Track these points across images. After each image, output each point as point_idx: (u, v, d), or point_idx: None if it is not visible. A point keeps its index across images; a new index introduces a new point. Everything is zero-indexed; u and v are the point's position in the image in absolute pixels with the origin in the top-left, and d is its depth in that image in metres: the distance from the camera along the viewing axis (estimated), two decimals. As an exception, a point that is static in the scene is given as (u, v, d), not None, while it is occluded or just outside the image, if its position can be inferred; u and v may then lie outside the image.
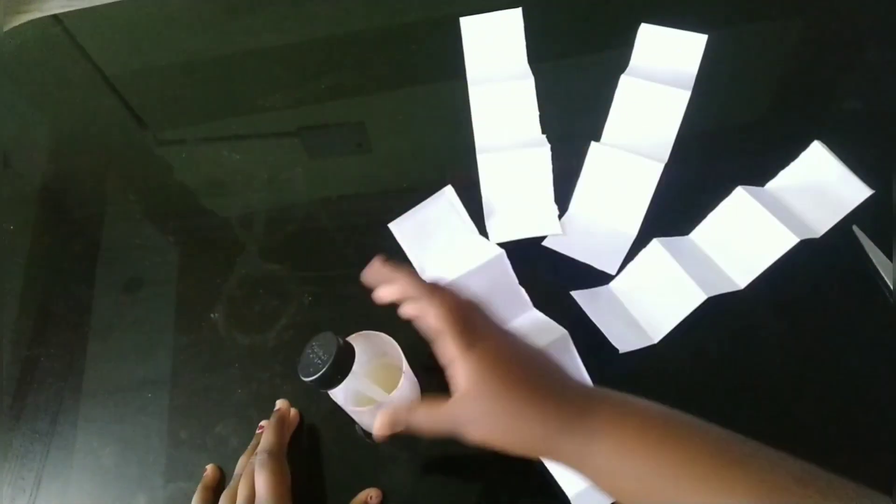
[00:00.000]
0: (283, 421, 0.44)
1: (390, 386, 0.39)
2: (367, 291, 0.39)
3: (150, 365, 0.50)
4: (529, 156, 0.54)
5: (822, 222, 0.49)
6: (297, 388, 0.47)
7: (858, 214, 0.49)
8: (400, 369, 0.40)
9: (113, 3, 0.73)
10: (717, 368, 0.46)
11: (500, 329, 0.36)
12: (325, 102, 0.63)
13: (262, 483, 0.39)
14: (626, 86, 0.57)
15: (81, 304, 0.53)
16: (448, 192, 0.54)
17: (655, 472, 0.30)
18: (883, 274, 0.46)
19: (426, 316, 0.35)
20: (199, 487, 0.43)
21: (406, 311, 0.37)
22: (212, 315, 0.51)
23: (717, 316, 0.46)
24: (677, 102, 0.55)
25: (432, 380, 0.44)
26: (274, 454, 0.41)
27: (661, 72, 0.58)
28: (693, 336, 0.46)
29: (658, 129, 0.55)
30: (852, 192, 0.49)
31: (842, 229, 0.49)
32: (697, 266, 0.47)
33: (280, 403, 0.46)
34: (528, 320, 0.47)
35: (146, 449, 0.46)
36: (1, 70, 0.71)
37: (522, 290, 0.48)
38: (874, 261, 0.47)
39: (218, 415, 0.47)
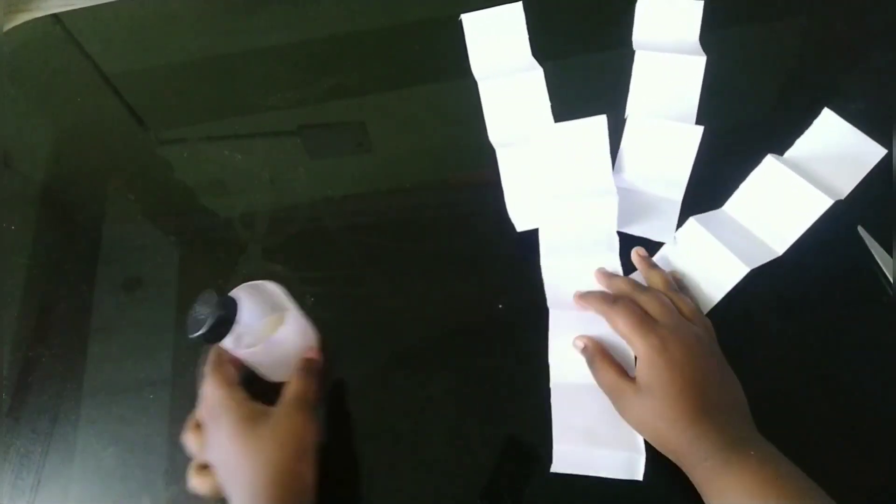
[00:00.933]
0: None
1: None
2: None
3: (151, 365, 0.50)
4: (549, 147, 0.54)
5: (845, 184, 0.51)
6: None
7: (863, 215, 0.49)
8: (281, 313, 0.42)
9: (113, 2, 0.73)
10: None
11: (686, 328, 0.41)
12: (325, 102, 0.63)
13: (207, 384, 0.41)
14: (643, 60, 0.57)
15: (82, 305, 0.53)
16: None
17: None
18: (888, 275, 0.46)
19: (615, 322, 0.42)
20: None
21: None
22: (213, 315, 0.51)
23: (718, 315, 0.46)
24: (695, 70, 0.56)
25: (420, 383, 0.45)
26: (213, 361, 0.42)
27: (667, 42, 0.59)
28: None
29: (680, 100, 0.56)
30: (867, 153, 0.51)
31: (846, 229, 0.49)
32: (736, 239, 0.48)
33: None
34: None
35: (147, 450, 0.46)
36: (0, 70, 0.71)
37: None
38: (879, 262, 0.47)
39: (219, 416, 0.47)
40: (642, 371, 0.40)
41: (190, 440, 0.42)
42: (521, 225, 0.52)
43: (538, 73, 0.58)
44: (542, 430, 0.44)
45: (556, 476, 0.42)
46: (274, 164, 0.59)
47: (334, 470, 0.44)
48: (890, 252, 0.47)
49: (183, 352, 0.50)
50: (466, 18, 0.62)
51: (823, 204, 0.47)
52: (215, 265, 0.54)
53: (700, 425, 0.37)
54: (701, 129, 0.51)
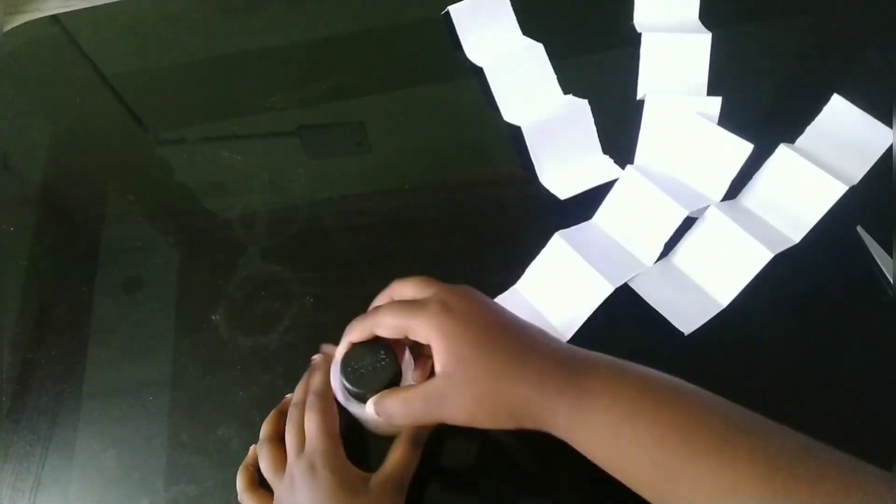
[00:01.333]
0: (327, 363, 0.42)
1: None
2: (369, 291, 0.38)
3: (151, 367, 0.49)
4: (570, 114, 0.56)
5: (856, 170, 0.51)
6: (298, 390, 0.47)
7: (863, 215, 0.49)
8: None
9: (112, 3, 0.73)
10: (719, 368, 0.46)
11: (471, 298, 0.35)
12: (325, 103, 0.63)
13: (313, 424, 0.38)
14: (650, 41, 0.58)
15: (82, 306, 0.53)
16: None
17: (654, 438, 0.29)
18: (888, 275, 0.46)
19: (384, 324, 0.36)
20: (242, 466, 0.43)
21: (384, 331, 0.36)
22: (213, 317, 0.51)
23: (718, 315, 0.46)
24: (702, 47, 0.57)
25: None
26: (321, 395, 0.39)
27: (668, 23, 0.60)
28: (695, 334, 0.46)
29: (689, 79, 0.57)
30: (878, 137, 0.51)
31: (846, 229, 0.49)
32: (754, 227, 0.48)
33: (322, 350, 0.44)
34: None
35: (147, 452, 0.46)
36: (-1, 71, 0.71)
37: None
38: (879, 262, 0.47)
39: (219, 417, 0.47)
40: (441, 351, 0.32)
41: (265, 456, 0.40)
42: (563, 194, 0.53)
43: (538, 47, 0.59)
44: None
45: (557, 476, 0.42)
46: (274, 165, 0.59)
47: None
48: (889, 252, 0.47)
49: (183, 353, 0.50)
50: (454, 9, 0.62)
51: (838, 191, 0.47)
52: (215, 266, 0.54)
53: (530, 372, 0.31)
54: (719, 100, 0.52)
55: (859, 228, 0.49)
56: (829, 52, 0.60)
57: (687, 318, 0.47)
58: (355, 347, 0.38)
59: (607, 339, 0.46)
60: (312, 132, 0.62)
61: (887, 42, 0.59)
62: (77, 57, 0.71)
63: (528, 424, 0.32)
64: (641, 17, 0.62)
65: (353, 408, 0.39)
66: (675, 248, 0.50)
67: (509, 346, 0.32)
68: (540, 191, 0.55)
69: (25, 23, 0.73)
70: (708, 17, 0.60)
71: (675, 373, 0.45)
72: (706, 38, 0.57)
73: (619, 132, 0.56)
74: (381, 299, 0.40)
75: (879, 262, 0.47)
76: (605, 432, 0.30)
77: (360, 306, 0.50)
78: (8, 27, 0.73)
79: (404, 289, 0.38)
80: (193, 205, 0.59)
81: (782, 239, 0.48)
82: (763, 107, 0.58)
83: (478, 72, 0.61)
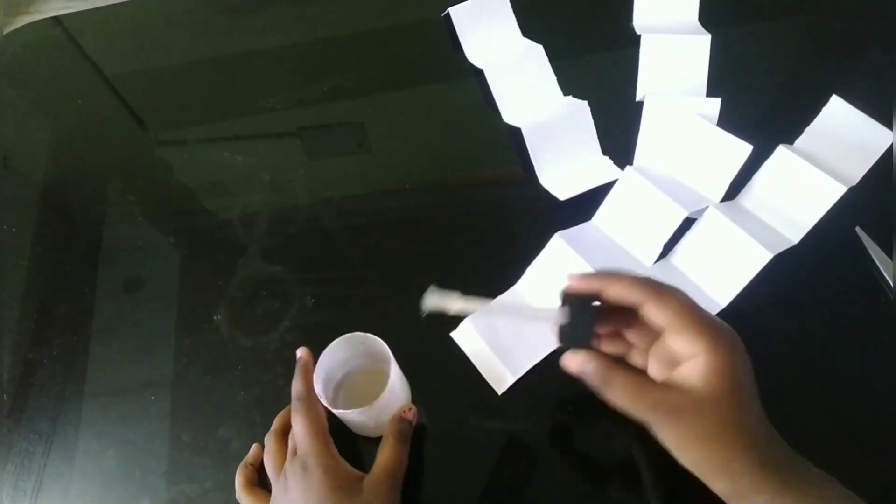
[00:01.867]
0: (307, 367, 0.42)
1: (376, 386, 0.40)
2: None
3: (152, 367, 0.50)
4: (570, 115, 0.56)
5: (856, 171, 0.51)
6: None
7: (861, 216, 0.49)
8: (385, 371, 0.41)
9: (113, 4, 0.73)
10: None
11: (734, 333, 0.34)
12: (325, 103, 0.63)
13: (300, 427, 0.39)
14: (649, 42, 0.59)
15: (83, 306, 0.53)
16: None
17: None
18: (886, 275, 0.46)
19: (663, 307, 0.33)
20: (241, 465, 0.43)
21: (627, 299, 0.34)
22: (214, 317, 0.51)
23: (718, 315, 0.46)
24: (702, 48, 0.58)
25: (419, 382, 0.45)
26: (304, 398, 0.40)
27: (669, 25, 0.60)
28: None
29: (689, 80, 0.58)
30: (877, 138, 0.52)
31: (844, 230, 0.49)
32: (754, 227, 0.48)
33: (301, 352, 0.44)
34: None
35: (148, 452, 0.46)
36: (1, 72, 0.71)
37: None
38: (877, 262, 0.47)
39: (220, 417, 0.47)
40: (709, 382, 0.31)
41: (268, 451, 0.41)
42: (562, 195, 0.54)
43: (538, 49, 0.60)
44: (543, 425, 0.44)
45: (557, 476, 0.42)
46: (274, 165, 0.59)
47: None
48: (888, 252, 0.47)
49: (183, 353, 0.50)
50: (454, 11, 0.62)
51: (837, 192, 0.47)
52: (216, 266, 0.54)
53: (756, 451, 0.31)
54: (718, 101, 0.53)
55: (858, 229, 0.49)
56: (828, 53, 0.61)
57: None
58: (573, 300, 0.35)
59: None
60: (313, 133, 0.62)
61: (887, 42, 0.59)
62: (78, 58, 0.71)
63: (720, 488, 0.32)
64: (641, 19, 0.62)
65: (338, 411, 0.40)
66: (675, 249, 0.50)
67: (751, 424, 0.32)
68: (539, 191, 0.55)
69: (27, 24, 0.73)
70: (707, 18, 0.60)
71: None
72: (705, 39, 0.57)
73: (618, 133, 0.56)
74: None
75: (878, 263, 0.47)
76: None
77: (359, 306, 0.50)
78: (9, 28, 0.73)
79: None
80: (194, 205, 0.59)
81: (781, 240, 0.49)
82: (762, 108, 0.58)
83: (478, 73, 0.61)
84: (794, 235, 0.49)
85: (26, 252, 0.57)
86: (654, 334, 0.35)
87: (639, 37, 0.59)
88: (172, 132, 0.65)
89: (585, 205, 0.53)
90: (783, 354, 0.46)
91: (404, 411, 0.42)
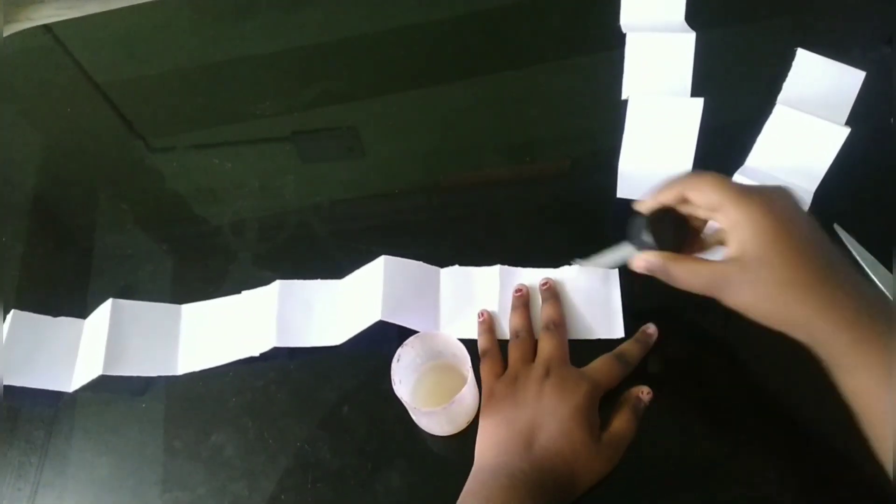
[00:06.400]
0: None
1: (446, 387, 0.41)
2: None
3: (129, 382, 0.49)
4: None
5: (841, 115, 0.53)
6: (291, 397, 0.47)
7: (839, 213, 0.49)
8: (461, 372, 0.41)
9: (103, 12, 0.73)
10: (710, 372, 0.46)
11: (781, 191, 0.36)
12: (315, 108, 0.63)
13: (551, 343, 0.44)
14: (634, 41, 0.59)
15: (75, 314, 0.53)
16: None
17: None
18: (870, 273, 0.46)
19: (699, 191, 0.36)
20: (481, 330, 0.47)
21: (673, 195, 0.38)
22: (205, 324, 0.51)
23: (707, 314, 0.47)
24: (686, 46, 0.58)
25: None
26: (560, 324, 0.45)
27: (654, 24, 0.61)
28: (690, 335, 0.47)
29: (674, 79, 0.58)
30: (850, 80, 0.54)
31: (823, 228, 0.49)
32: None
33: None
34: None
35: (141, 459, 0.46)
36: (-8, 81, 0.71)
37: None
38: (859, 259, 0.47)
39: (213, 424, 0.47)
40: (747, 242, 0.34)
41: (486, 364, 0.45)
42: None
43: (690, 35, 0.58)
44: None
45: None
46: (264, 171, 0.60)
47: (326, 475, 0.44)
48: (869, 249, 0.47)
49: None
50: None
51: (841, 135, 0.49)
52: (207, 273, 0.54)
53: (828, 289, 0.33)
54: (701, 100, 0.53)
55: (836, 227, 0.49)
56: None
57: None
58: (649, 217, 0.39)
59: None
60: (306, 137, 0.62)
61: (869, 42, 0.59)
62: (69, 65, 0.71)
63: (800, 336, 0.34)
64: (628, 19, 0.62)
65: (417, 416, 0.41)
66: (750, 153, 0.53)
67: (811, 265, 0.33)
68: (531, 194, 0.55)
69: (17, 32, 0.73)
70: (693, 19, 0.60)
71: (673, 369, 0.46)
72: (690, 37, 0.58)
73: (604, 133, 0.56)
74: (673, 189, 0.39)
75: (859, 259, 0.47)
76: (866, 387, 0.32)
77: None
78: (-1, 37, 0.73)
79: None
80: (185, 212, 0.59)
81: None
82: (745, 107, 0.58)
83: (470, 75, 0.61)
84: (811, 185, 0.50)
85: (17, 261, 0.57)
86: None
87: (625, 36, 0.59)
88: (163, 139, 0.65)
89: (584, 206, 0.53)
90: (771, 351, 0.46)
91: (642, 392, 0.44)
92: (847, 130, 0.49)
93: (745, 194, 0.35)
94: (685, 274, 0.37)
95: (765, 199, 0.34)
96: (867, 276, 0.46)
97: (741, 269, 0.34)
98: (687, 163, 0.53)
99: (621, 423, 0.42)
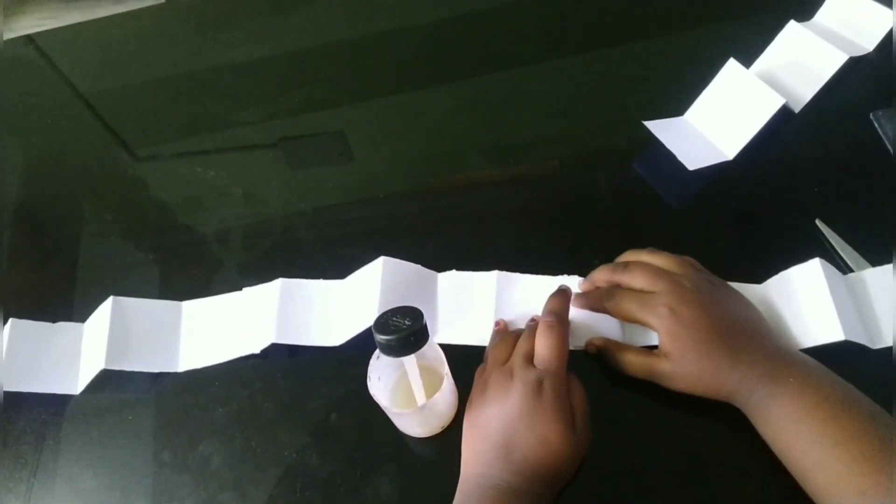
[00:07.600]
0: (567, 294, 0.46)
1: (429, 387, 0.40)
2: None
3: (131, 386, 0.49)
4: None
5: (809, 91, 0.55)
6: (278, 406, 0.47)
7: (820, 208, 0.50)
8: (439, 372, 0.41)
9: (85, 21, 0.73)
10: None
11: (698, 305, 0.41)
12: (301, 115, 0.63)
13: (549, 342, 0.42)
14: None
15: (61, 325, 0.53)
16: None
17: (820, 442, 0.35)
18: (852, 266, 0.46)
19: (619, 305, 0.43)
20: (495, 331, 0.47)
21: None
22: (191, 333, 0.51)
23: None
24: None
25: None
26: (562, 319, 0.43)
27: None
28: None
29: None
30: (831, 60, 0.54)
31: (806, 224, 0.50)
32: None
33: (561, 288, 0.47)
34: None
35: (129, 472, 0.46)
36: (-26, 92, 0.71)
37: None
38: (841, 254, 0.47)
39: (200, 434, 0.47)
40: (666, 343, 0.41)
41: (495, 346, 0.45)
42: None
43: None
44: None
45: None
46: (248, 179, 0.60)
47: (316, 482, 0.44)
48: (850, 243, 0.47)
49: (163, 372, 0.50)
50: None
51: (776, 102, 0.51)
52: (192, 282, 0.54)
53: (739, 366, 0.39)
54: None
55: (818, 221, 0.49)
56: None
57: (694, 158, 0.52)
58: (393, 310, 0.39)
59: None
60: (290, 144, 0.62)
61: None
62: (51, 75, 0.71)
63: (728, 400, 0.40)
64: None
65: (391, 416, 0.41)
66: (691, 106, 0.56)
67: (726, 346, 0.39)
68: (520, 197, 0.55)
69: (-2, 44, 0.73)
70: None
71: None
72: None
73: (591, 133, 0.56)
74: (601, 274, 0.46)
75: (841, 253, 0.47)
76: (783, 428, 0.37)
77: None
78: (-20, 49, 0.72)
79: (634, 280, 0.43)
80: (170, 221, 0.59)
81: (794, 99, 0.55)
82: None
83: (457, 77, 0.61)
84: (797, 105, 0.54)
85: (2, 272, 0.57)
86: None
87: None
88: (147, 148, 0.65)
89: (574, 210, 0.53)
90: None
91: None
92: (781, 100, 0.50)
93: (651, 307, 0.41)
94: (625, 364, 0.43)
95: (666, 304, 0.41)
96: (849, 269, 0.46)
97: (668, 363, 0.41)
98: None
99: (575, 395, 0.42)
